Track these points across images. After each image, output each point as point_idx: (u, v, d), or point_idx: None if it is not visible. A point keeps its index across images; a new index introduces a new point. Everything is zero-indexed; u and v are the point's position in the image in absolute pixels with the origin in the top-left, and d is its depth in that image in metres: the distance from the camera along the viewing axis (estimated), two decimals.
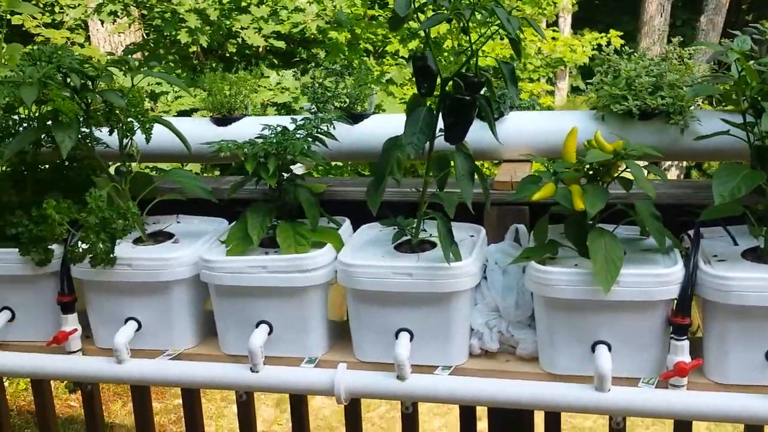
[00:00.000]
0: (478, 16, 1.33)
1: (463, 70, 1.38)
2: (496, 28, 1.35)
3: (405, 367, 1.43)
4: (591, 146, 1.40)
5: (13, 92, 1.53)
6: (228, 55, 6.12)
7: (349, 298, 1.51)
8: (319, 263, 1.50)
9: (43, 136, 1.60)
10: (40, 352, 1.62)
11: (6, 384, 2.14)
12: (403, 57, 6.21)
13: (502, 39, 1.43)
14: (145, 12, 6.13)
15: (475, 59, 1.36)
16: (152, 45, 6.39)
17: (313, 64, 2.21)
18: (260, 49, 6.02)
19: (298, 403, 1.89)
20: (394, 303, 1.47)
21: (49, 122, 1.52)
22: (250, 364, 1.50)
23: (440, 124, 1.42)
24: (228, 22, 5.65)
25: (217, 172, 5.19)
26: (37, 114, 1.60)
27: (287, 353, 1.54)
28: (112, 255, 1.52)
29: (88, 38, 7.33)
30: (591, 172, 1.42)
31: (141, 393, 1.96)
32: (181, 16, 5.46)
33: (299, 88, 5.57)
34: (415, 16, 1.34)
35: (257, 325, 1.52)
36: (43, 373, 1.64)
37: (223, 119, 1.92)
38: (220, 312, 1.56)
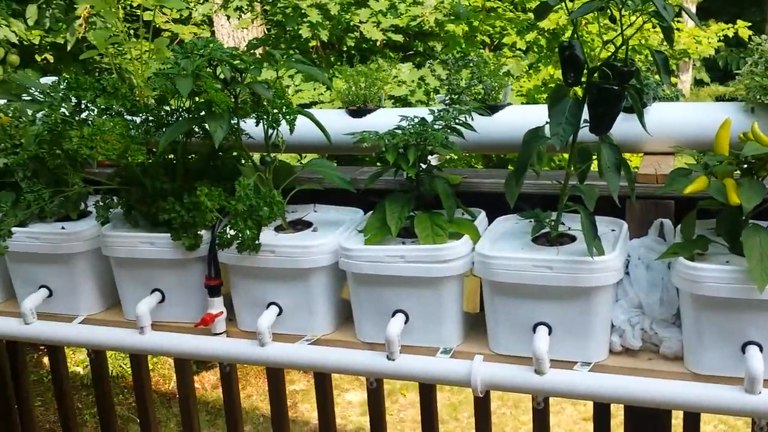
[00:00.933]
0: (629, 3, 1.29)
1: (612, 60, 1.35)
2: (648, 16, 1.31)
3: (544, 361, 1.42)
4: (747, 139, 1.34)
5: (165, 84, 1.61)
6: (345, 49, 6.22)
7: (486, 290, 1.51)
8: (456, 254, 1.51)
9: (195, 126, 1.67)
10: (187, 333, 1.71)
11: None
12: (520, 49, 6.13)
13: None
14: (267, 8, 6.31)
15: (625, 48, 1.33)
16: (273, 40, 6.57)
17: (432, 60, 2.22)
18: (378, 43, 6.09)
19: (428, 391, 1.91)
20: (532, 296, 1.46)
21: (202, 113, 1.59)
22: (387, 352, 1.53)
23: (584, 114, 1.40)
24: (347, 17, 5.73)
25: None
26: (189, 105, 1.68)
27: (422, 343, 1.56)
28: (257, 242, 1.58)
29: (212, 33, 7.62)
30: (745, 166, 1.36)
31: (276, 374, 2.03)
32: (302, 11, 5.58)
33: (415, 81, 5.59)
34: (563, 4, 1.32)
35: (393, 314, 1.55)
36: (190, 353, 1.72)
37: (358, 111, 1.95)
38: (357, 300, 1.60)
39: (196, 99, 1.64)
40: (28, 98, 1.84)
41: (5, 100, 1.88)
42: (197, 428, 2.18)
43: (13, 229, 1.75)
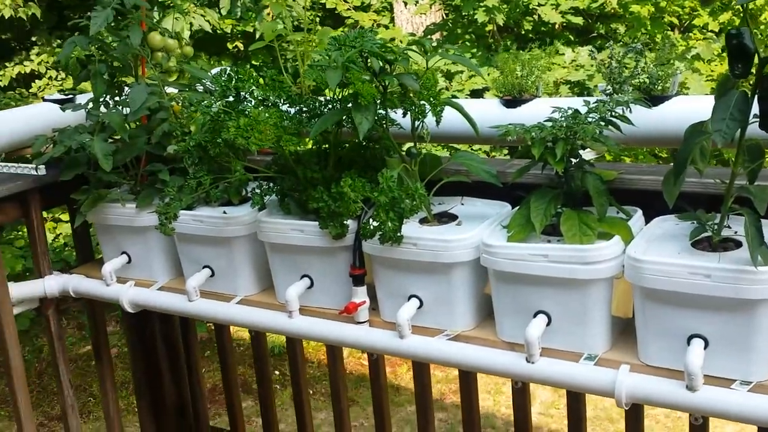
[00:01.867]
0: None
1: None
2: None
3: (697, 377, 1.31)
4: None
5: (320, 75, 1.64)
6: (523, 32, 6.08)
7: (636, 295, 1.41)
8: (604, 256, 1.42)
9: (344, 117, 1.69)
10: (333, 319, 1.74)
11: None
12: (712, 31, 5.69)
13: None
14: None
15: None
16: (450, 25, 6.56)
17: (611, 42, 2.10)
18: (557, 26, 5.89)
19: (575, 402, 1.83)
20: (687, 305, 1.34)
21: (350, 104, 1.61)
22: (526, 354, 1.48)
23: (755, 109, 1.26)
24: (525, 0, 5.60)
25: (505, 152, 5.20)
26: (340, 96, 1.71)
27: (565, 347, 1.48)
28: (399, 233, 1.58)
29: (392, 20, 7.74)
30: None
31: (420, 364, 2.03)
32: None
33: (594, 65, 5.36)
34: None
35: (535, 315, 1.49)
36: (333, 339, 1.75)
37: (513, 101, 1.89)
38: (498, 297, 1.55)
39: (345, 90, 1.66)
40: (200, 88, 1.96)
41: (179, 90, 2.01)
42: (346, 411, 2.23)
43: (181, 212, 1.88)
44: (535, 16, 5.82)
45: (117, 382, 4.24)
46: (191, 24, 5.75)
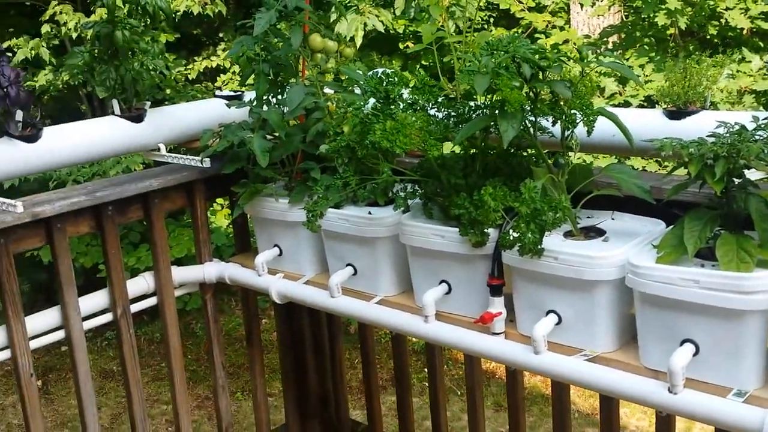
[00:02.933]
0: None
1: None
2: None
3: None
4: None
5: (471, 80, 1.62)
6: (708, 37, 5.70)
7: None
8: (763, 286, 1.30)
9: (492, 123, 1.66)
10: (468, 327, 1.72)
11: None
12: None
13: None
14: None
15: None
16: (629, 27, 6.27)
17: None
18: (744, 31, 5.47)
19: None
20: None
21: (497, 111, 1.58)
22: (669, 384, 1.38)
23: None
24: (711, 3, 5.24)
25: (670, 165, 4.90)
26: (488, 101, 1.68)
27: (712, 380, 1.38)
28: (539, 246, 1.53)
29: (568, 21, 7.52)
30: None
31: (560, 384, 1.96)
32: None
33: None
34: None
35: (682, 343, 1.39)
36: (465, 347, 1.73)
37: (677, 112, 1.77)
38: (643, 321, 1.46)
39: (494, 96, 1.63)
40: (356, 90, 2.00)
41: (335, 90, 2.06)
42: (481, 416, 2.20)
43: (329, 210, 1.93)
44: (722, 21, 5.43)
45: (270, 369, 4.45)
46: (365, 24, 5.88)
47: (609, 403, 1.89)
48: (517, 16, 7.51)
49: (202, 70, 7.40)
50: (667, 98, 1.81)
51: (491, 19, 7.82)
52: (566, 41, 6.85)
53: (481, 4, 7.78)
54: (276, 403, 4.16)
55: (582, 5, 6.50)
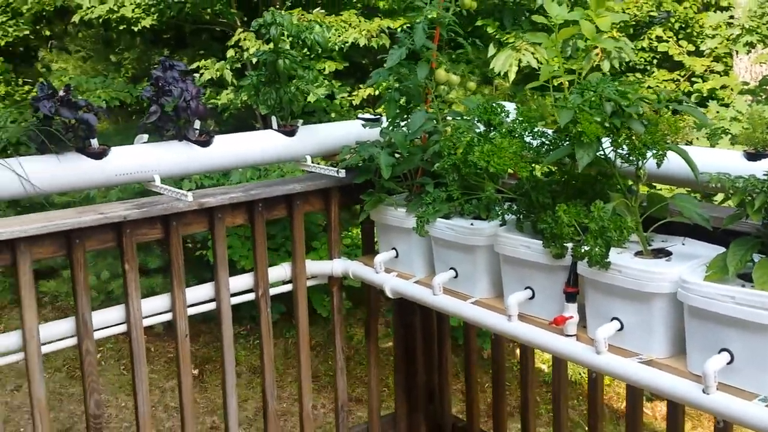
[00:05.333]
0: None
1: None
2: None
3: None
4: None
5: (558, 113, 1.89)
6: None
7: None
8: None
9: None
10: (545, 329, 1.96)
11: None
12: None
13: None
14: None
15: None
16: None
17: None
18: None
19: None
20: None
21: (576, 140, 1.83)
22: (703, 386, 1.57)
23: None
24: None
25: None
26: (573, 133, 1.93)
27: (743, 386, 1.55)
28: (606, 259, 1.76)
29: (731, 67, 7.41)
30: None
31: (632, 388, 2.14)
32: None
33: None
34: None
35: (719, 352, 1.57)
36: (539, 345, 1.97)
37: (755, 154, 1.94)
38: (689, 331, 1.66)
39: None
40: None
41: (452, 117, 2.38)
42: (564, 420, 2.40)
43: (438, 219, 2.24)
44: None
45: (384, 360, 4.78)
46: (520, 60, 6.16)
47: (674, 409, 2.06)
48: (676, 59, 7.50)
49: (365, 97, 7.97)
50: (748, 141, 1.98)
51: (654, 61, 7.83)
52: (724, 86, 6.78)
53: (644, 45, 7.84)
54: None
55: (737, 52, 6.43)
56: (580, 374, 5.29)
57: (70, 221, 2.09)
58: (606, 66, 5.91)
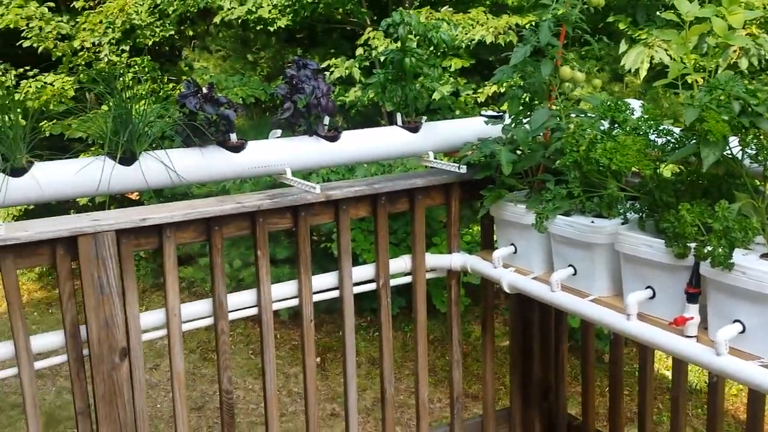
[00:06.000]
0: None
1: None
2: None
3: None
4: None
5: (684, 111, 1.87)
6: None
7: None
8: None
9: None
10: (665, 329, 1.94)
11: None
12: None
13: None
14: None
15: None
16: None
17: None
18: None
19: None
20: None
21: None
22: None
23: None
24: None
25: None
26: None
27: None
28: (729, 260, 1.73)
29: None
30: None
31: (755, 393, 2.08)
32: None
33: None
34: None
35: None
36: (658, 345, 1.95)
37: None
38: None
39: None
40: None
41: (576, 114, 2.38)
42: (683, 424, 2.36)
43: (558, 216, 2.25)
44: None
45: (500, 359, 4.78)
46: (652, 57, 5.99)
47: None
48: None
49: (490, 94, 7.95)
50: None
51: None
52: None
53: None
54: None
55: None
56: (705, 382, 5.10)
57: (212, 209, 2.25)
58: (744, 64, 5.65)
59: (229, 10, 6.35)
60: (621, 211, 2.11)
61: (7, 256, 2.00)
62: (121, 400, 2.20)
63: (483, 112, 2.90)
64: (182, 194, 5.57)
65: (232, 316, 2.43)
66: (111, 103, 2.20)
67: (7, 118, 2.05)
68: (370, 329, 6.07)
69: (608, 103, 2.08)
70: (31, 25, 6.78)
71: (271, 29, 6.42)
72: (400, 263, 2.71)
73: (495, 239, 2.74)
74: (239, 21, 6.44)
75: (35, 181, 2.08)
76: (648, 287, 2.02)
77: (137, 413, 2.24)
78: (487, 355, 2.89)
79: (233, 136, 2.38)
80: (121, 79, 2.30)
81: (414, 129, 2.67)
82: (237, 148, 2.38)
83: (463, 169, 2.59)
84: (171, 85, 6.89)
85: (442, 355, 5.56)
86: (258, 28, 6.46)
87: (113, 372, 2.18)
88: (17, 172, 2.06)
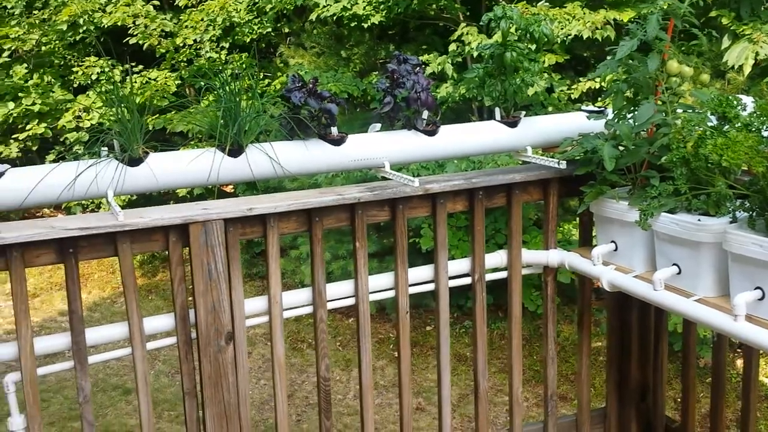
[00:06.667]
0: None
1: None
2: None
3: None
4: None
5: None
6: None
7: None
8: None
9: None
10: None
11: None
12: None
13: None
14: None
15: None
16: None
17: None
18: None
19: None
20: None
21: None
22: None
23: None
24: None
25: None
26: None
27: None
28: None
29: None
30: None
31: None
32: None
33: None
34: None
35: None
36: (766, 347, 1.89)
37: None
38: None
39: None
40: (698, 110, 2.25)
41: (683, 110, 2.32)
42: None
43: (663, 214, 2.21)
44: None
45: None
46: (756, 53, 5.77)
47: None
48: None
49: (585, 91, 7.81)
50: None
51: None
52: None
53: None
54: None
55: None
56: None
57: (313, 200, 2.31)
58: None
59: (324, 7, 6.45)
60: (730, 209, 2.05)
61: (125, 241, 2.11)
62: (226, 382, 2.29)
63: (583, 107, 2.86)
64: (273, 188, 5.70)
65: (330, 305, 2.49)
66: (216, 97, 2.29)
67: (126, 111, 2.16)
68: (456, 325, 6.07)
69: (719, 98, 2.02)
70: (137, 23, 7.08)
71: (365, 26, 6.48)
72: (496, 258, 2.71)
73: (594, 236, 2.70)
74: (334, 18, 6.53)
75: (150, 171, 2.19)
76: (757, 288, 1.96)
77: (240, 396, 2.32)
78: (583, 353, 2.85)
79: (334, 130, 2.44)
80: (227, 75, 2.39)
81: (513, 124, 2.66)
82: (338, 142, 2.43)
83: (563, 165, 2.57)
84: (266, 81, 7.06)
85: (529, 353, 5.51)
86: (352, 24, 6.54)
87: (219, 355, 2.26)
88: (134, 161, 2.17)
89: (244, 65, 7.00)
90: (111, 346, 2.39)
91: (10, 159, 7.26)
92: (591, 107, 2.86)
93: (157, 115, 6.52)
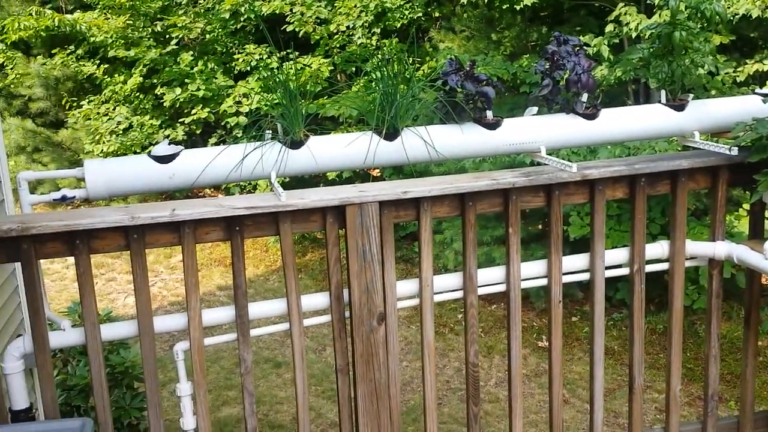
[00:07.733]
0: None
1: None
2: None
3: None
4: None
5: None
6: None
7: None
8: None
9: None
10: None
11: None
12: None
13: None
14: None
15: None
16: None
17: None
18: None
19: None
20: None
21: None
22: None
23: None
24: None
25: None
26: None
27: None
28: None
29: None
30: None
31: None
32: None
33: None
34: None
35: None
36: None
37: None
38: None
39: None
40: None
41: None
42: None
43: None
44: None
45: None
46: None
47: None
48: None
49: (751, 73, 7.28)
50: None
51: None
52: None
53: None
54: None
55: None
56: None
57: (467, 185, 2.30)
58: None
59: None
60: None
61: (285, 221, 2.19)
62: (377, 360, 2.33)
63: (757, 90, 2.67)
64: (419, 172, 5.72)
65: (480, 291, 2.47)
66: (366, 83, 2.32)
67: (287, 95, 2.23)
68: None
69: None
70: (294, 11, 7.31)
71: (517, 8, 6.36)
72: (657, 248, 2.59)
73: (766, 229, 2.52)
74: (485, 1, 6.45)
75: (310, 153, 2.25)
76: None
77: (390, 375, 2.36)
78: (749, 352, 2.68)
79: (490, 114, 2.41)
80: (383, 59, 2.41)
81: (679, 107, 2.52)
82: (493, 126, 2.40)
83: (734, 151, 2.41)
84: (415, 66, 7.09)
85: (683, 350, 5.23)
86: (504, 6, 6.43)
87: (371, 334, 2.31)
88: (296, 144, 2.24)
89: (393, 50, 7.06)
90: (264, 322, 2.49)
91: (176, 142, 7.74)
92: (766, 90, 2.66)
93: (311, 100, 6.71)
